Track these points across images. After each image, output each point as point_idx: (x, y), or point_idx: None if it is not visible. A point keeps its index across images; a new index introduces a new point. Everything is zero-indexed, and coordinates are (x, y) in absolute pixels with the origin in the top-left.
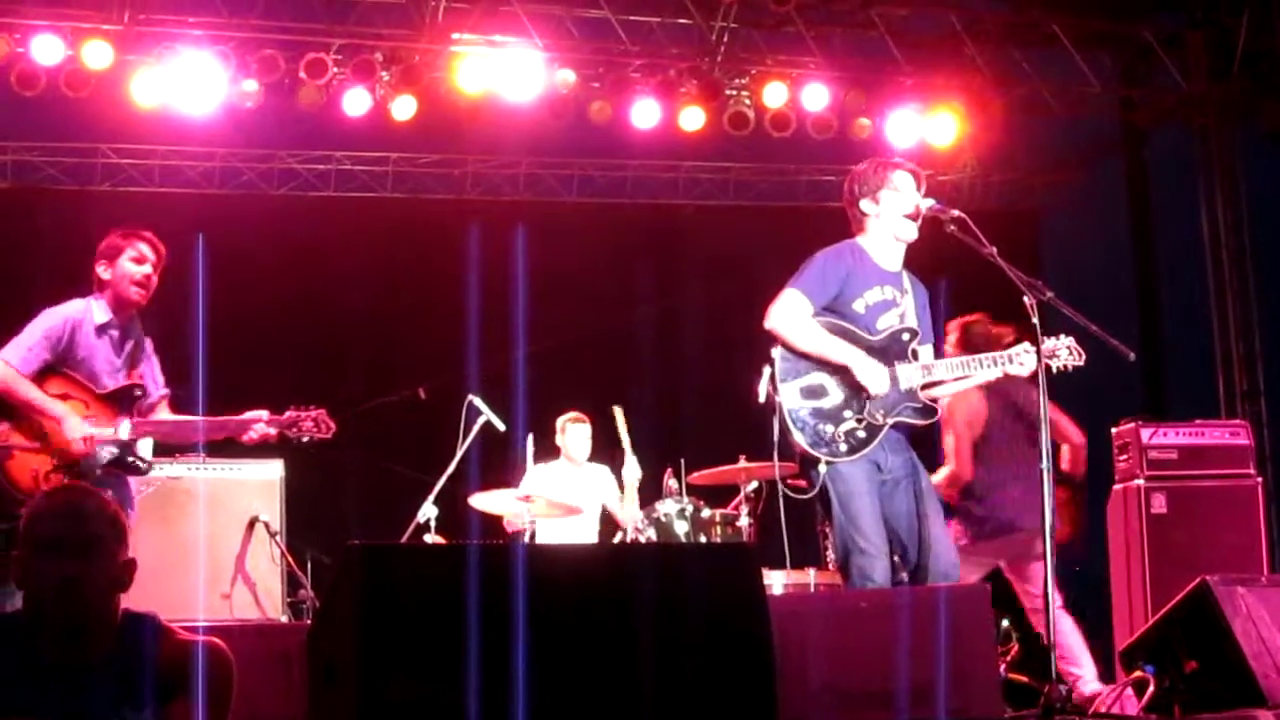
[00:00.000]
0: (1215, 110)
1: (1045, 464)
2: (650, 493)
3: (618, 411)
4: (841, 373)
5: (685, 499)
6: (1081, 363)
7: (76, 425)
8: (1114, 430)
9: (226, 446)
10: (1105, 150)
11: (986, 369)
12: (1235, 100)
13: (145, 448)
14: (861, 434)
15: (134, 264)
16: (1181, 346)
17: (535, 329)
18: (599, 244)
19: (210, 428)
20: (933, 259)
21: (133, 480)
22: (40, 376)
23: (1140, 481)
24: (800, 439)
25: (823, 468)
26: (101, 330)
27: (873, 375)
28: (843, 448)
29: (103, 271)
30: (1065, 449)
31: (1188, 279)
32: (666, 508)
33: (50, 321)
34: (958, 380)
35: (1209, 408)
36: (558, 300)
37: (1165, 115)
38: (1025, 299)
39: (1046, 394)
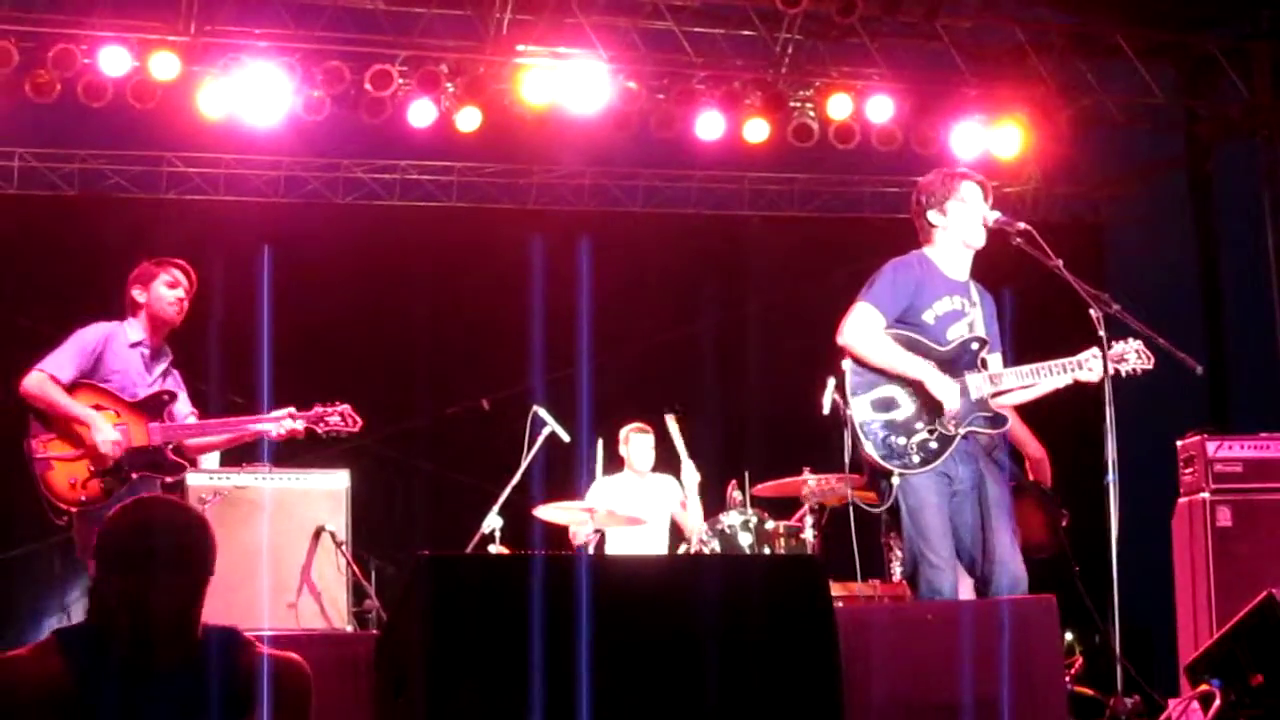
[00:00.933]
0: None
1: (1111, 476)
2: (714, 504)
3: (670, 419)
4: (914, 385)
5: (749, 510)
6: (1150, 366)
7: (107, 430)
8: (1179, 443)
9: (293, 455)
10: (1169, 162)
11: (1056, 376)
12: None
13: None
14: (934, 445)
15: (168, 288)
16: (1247, 359)
17: (599, 339)
18: (663, 254)
19: (237, 425)
20: (995, 269)
21: (199, 489)
22: (72, 388)
23: (1205, 495)
24: (873, 452)
25: (895, 480)
26: (133, 346)
27: (946, 390)
28: (916, 459)
29: (138, 295)
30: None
31: (1253, 291)
32: (730, 519)
33: (85, 335)
34: (1025, 389)
35: (1274, 420)
36: (622, 310)
37: (1229, 127)
38: (1092, 312)
39: (1112, 400)
